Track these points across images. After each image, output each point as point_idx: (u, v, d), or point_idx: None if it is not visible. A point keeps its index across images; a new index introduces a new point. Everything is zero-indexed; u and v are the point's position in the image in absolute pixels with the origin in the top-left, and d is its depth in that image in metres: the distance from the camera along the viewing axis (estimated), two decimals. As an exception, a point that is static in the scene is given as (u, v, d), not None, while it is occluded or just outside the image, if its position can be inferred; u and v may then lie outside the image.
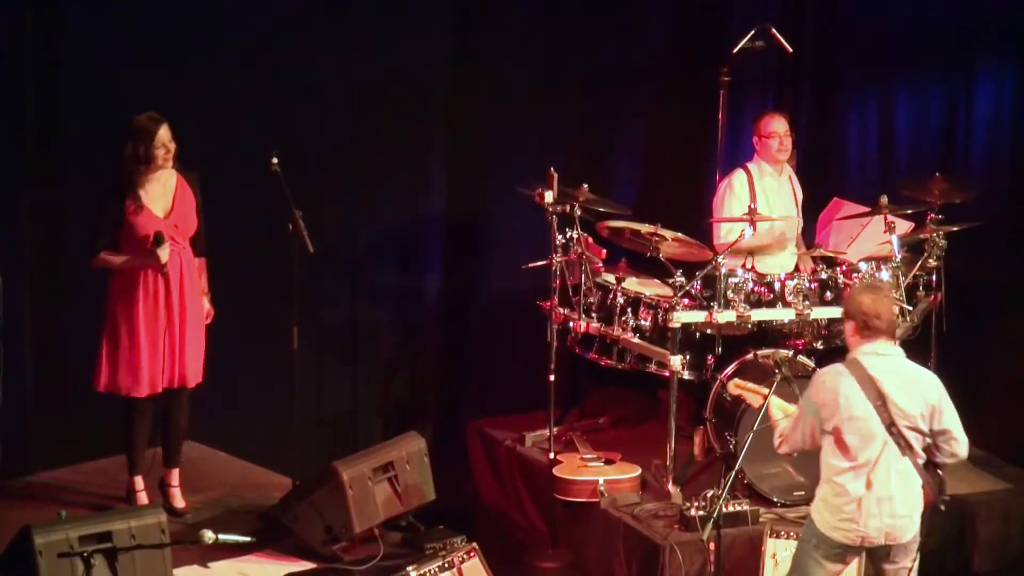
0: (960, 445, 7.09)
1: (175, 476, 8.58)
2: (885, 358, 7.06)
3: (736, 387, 7.64)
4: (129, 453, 8.47)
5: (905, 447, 6.99)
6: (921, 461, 7.05)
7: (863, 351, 7.07)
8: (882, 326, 7.06)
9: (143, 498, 8.44)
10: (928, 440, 7.05)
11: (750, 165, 9.55)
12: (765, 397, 7.35)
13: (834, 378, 7.04)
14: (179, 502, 8.54)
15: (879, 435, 6.96)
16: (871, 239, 9.29)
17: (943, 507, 7.22)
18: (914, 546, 7.12)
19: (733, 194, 9.44)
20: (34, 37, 8.89)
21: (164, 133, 8.14)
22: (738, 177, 9.50)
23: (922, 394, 7.03)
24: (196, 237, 8.39)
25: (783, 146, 9.49)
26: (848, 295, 7.32)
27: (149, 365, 8.23)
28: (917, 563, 7.21)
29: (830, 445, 7.03)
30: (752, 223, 9.01)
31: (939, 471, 7.15)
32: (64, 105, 9.06)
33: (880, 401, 6.96)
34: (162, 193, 8.23)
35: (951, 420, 7.07)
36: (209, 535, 7.13)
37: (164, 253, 8.09)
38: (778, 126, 9.46)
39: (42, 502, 8.42)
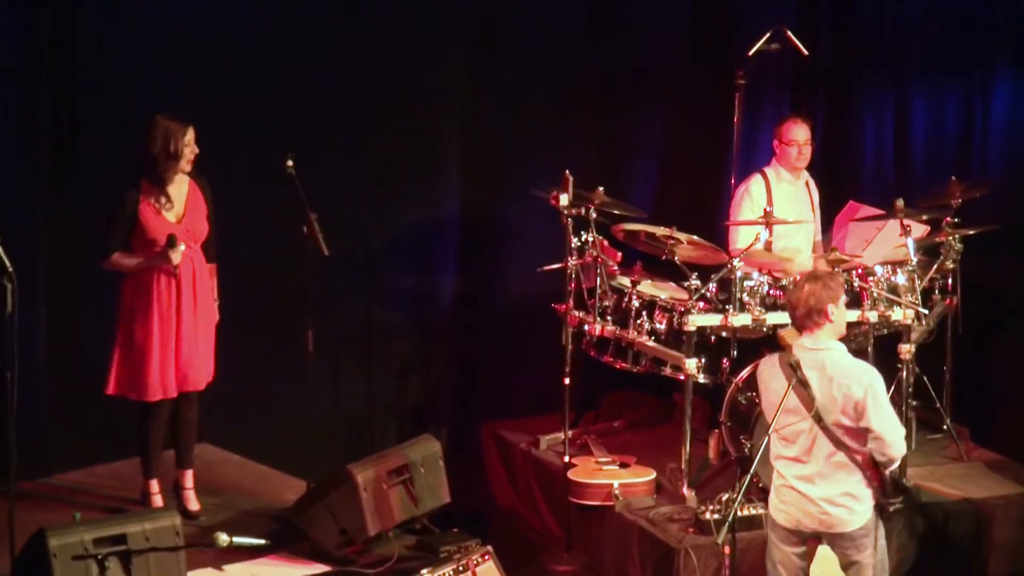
0: (885, 446, 7.13)
1: (189, 478, 8.59)
2: (814, 352, 7.17)
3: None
4: (145, 456, 8.48)
5: (836, 441, 7.10)
6: (860, 458, 7.15)
7: (799, 344, 7.20)
8: (796, 318, 7.23)
9: (158, 501, 8.45)
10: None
11: (768, 170, 9.52)
12: None
13: (763, 369, 7.30)
14: (193, 504, 8.54)
15: (808, 427, 7.12)
16: (887, 242, 9.27)
17: (891, 509, 7.31)
18: (865, 541, 7.19)
19: (751, 199, 9.41)
20: (49, 38, 8.89)
21: (191, 135, 8.20)
22: (756, 182, 9.48)
23: (844, 390, 7.09)
24: (208, 242, 8.40)
25: (802, 154, 9.47)
26: None
27: (161, 370, 8.24)
28: (884, 562, 7.28)
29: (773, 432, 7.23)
30: (768, 226, 9.00)
31: (887, 471, 7.23)
32: (78, 107, 9.07)
33: (805, 394, 7.09)
34: (176, 198, 8.25)
35: (875, 420, 7.10)
36: (223, 538, 7.14)
37: (176, 255, 8.10)
38: (799, 134, 9.43)
39: (57, 504, 8.43)
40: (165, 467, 8.57)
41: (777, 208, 9.26)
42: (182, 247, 8.14)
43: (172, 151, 8.13)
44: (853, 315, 8.88)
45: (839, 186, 10.23)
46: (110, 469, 9.05)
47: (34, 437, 8.47)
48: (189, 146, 8.18)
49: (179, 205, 8.26)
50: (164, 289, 8.21)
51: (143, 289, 8.20)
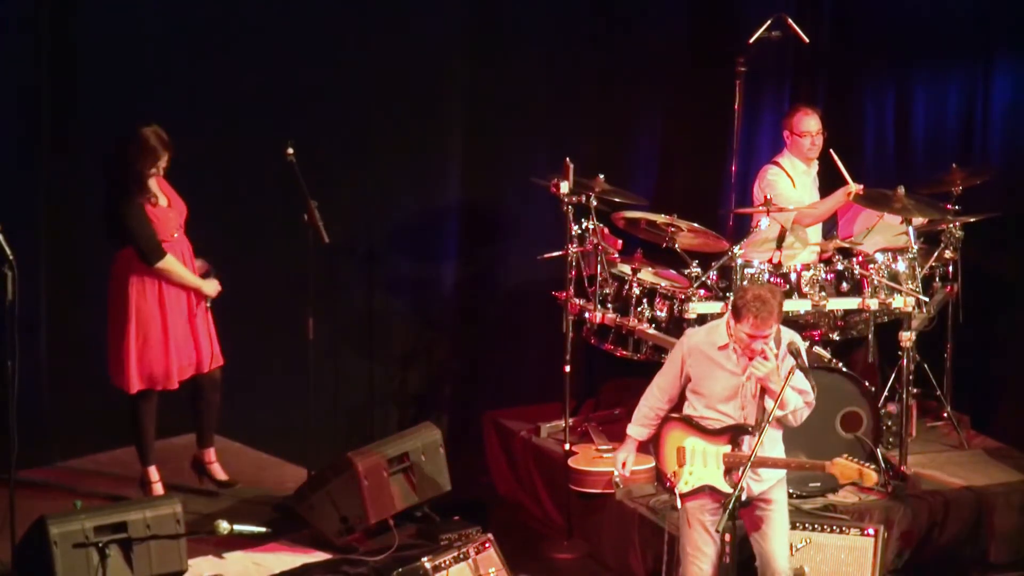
0: None
1: (211, 453, 8.70)
2: None
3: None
4: (143, 444, 8.50)
5: None
6: None
7: None
8: None
9: (158, 489, 8.46)
10: None
11: (782, 160, 9.45)
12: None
13: None
14: (221, 475, 8.67)
15: None
16: (888, 230, 9.26)
17: None
18: None
19: (777, 188, 9.33)
20: (50, 31, 8.89)
21: (164, 161, 8.26)
22: (777, 173, 9.41)
23: None
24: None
25: (815, 144, 9.42)
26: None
27: (179, 355, 8.32)
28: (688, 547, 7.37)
29: None
30: (768, 213, 8.99)
31: None
32: (80, 99, 9.06)
33: None
34: (155, 191, 8.32)
35: None
36: (224, 526, 7.16)
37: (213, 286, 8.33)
38: (811, 125, 9.38)
39: (58, 492, 8.44)
40: (166, 454, 8.58)
41: (799, 198, 9.26)
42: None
43: (137, 171, 8.19)
44: (854, 303, 8.90)
45: (840, 174, 10.21)
46: (111, 456, 9.06)
47: (35, 425, 8.47)
48: (154, 169, 8.24)
49: (160, 194, 8.33)
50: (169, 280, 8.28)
51: (151, 285, 8.25)
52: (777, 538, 7.44)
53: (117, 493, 8.46)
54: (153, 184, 8.29)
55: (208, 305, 8.45)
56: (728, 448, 7.27)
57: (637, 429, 7.66)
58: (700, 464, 7.29)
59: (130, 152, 8.19)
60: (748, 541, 7.50)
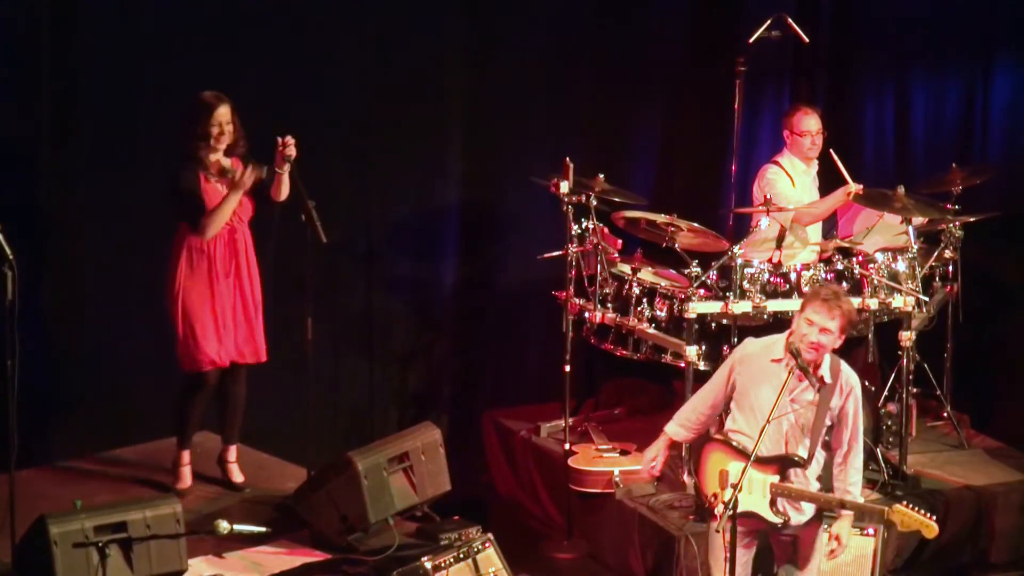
0: None
1: (233, 452, 8.70)
2: None
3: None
4: (185, 426, 8.52)
5: None
6: None
7: None
8: None
9: (187, 473, 8.53)
10: None
11: (782, 160, 9.44)
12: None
13: None
14: (237, 476, 8.67)
15: None
16: (888, 230, 9.26)
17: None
18: None
19: (776, 188, 9.32)
20: (50, 28, 8.89)
21: (223, 112, 8.20)
22: (777, 172, 9.40)
23: None
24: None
25: (815, 144, 9.41)
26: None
27: (227, 334, 8.34)
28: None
29: None
30: (768, 213, 8.99)
31: None
32: (80, 99, 9.06)
33: None
34: (224, 174, 8.30)
35: None
36: (224, 525, 7.14)
37: (249, 177, 8.24)
38: (811, 124, 9.37)
39: (58, 492, 8.42)
40: (162, 455, 8.59)
41: (798, 197, 9.26)
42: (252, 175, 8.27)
43: (199, 131, 8.16)
44: (854, 302, 8.87)
45: (839, 174, 10.21)
46: (112, 456, 9.05)
47: (35, 424, 8.48)
48: (216, 125, 8.18)
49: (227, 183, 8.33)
50: (220, 260, 8.29)
51: (201, 263, 8.26)
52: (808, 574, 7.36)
53: (118, 492, 8.46)
54: (223, 164, 8.26)
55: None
56: (776, 478, 7.12)
57: (674, 428, 7.53)
58: (745, 491, 7.01)
59: (190, 112, 8.19)
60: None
